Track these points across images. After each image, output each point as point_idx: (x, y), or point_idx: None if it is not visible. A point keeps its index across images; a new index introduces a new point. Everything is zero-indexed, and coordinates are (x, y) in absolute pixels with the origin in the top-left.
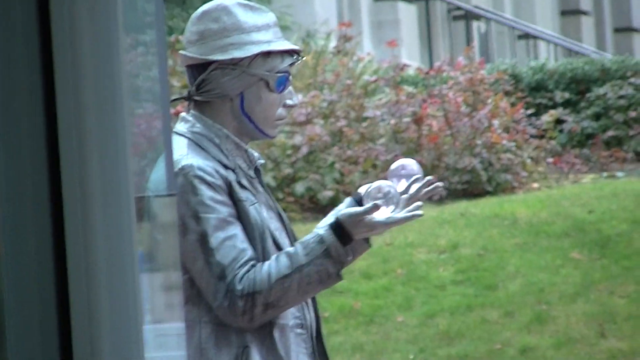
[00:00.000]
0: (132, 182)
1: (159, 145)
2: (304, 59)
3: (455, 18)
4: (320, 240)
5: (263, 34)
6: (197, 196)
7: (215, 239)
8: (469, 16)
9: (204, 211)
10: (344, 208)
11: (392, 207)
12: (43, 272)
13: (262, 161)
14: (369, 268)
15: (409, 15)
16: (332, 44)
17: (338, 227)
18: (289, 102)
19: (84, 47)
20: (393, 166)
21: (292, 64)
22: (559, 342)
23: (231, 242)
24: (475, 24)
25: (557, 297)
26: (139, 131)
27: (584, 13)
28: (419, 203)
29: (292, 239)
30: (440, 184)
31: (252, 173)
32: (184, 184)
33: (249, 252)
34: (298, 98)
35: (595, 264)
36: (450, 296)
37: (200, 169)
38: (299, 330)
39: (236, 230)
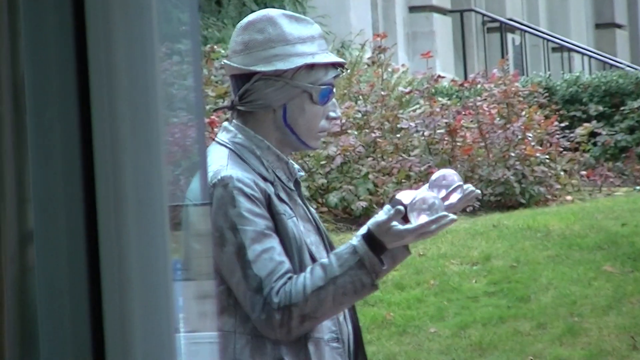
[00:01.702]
0: (166, 191)
1: (194, 155)
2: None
3: (490, 30)
4: (354, 251)
5: (308, 45)
6: (235, 208)
7: (252, 251)
8: (503, 28)
9: (242, 223)
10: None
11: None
12: (76, 282)
13: (302, 174)
14: (401, 279)
15: (443, 27)
16: (367, 55)
17: (370, 237)
18: (332, 114)
19: (119, 56)
20: (434, 177)
21: (335, 77)
22: (591, 354)
23: (268, 254)
24: (509, 36)
25: (589, 310)
26: (173, 140)
27: (619, 26)
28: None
29: (330, 252)
30: (478, 191)
31: (291, 185)
32: (223, 195)
33: (286, 265)
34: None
35: (628, 276)
36: (483, 307)
37: (239, 180)
38: (334, 344)
39: (273, 243)
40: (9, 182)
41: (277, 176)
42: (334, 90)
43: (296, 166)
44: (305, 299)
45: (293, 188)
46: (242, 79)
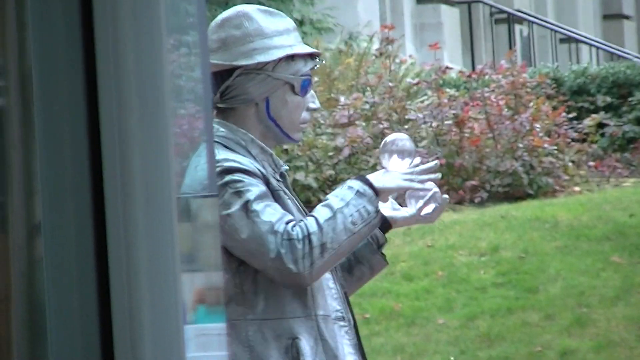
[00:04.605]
0: (174, 182)
1: (201, 146)
2: (346, 61)
3: (498, 21)
4: (348, 186)
5: (285, 38)
6: (235, 178)
7: (257, 204)
8: (511, 19)
9: (244, 187)
10: None
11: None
12: (84, 273)
13: (286, 167)
14: (410, 270)
15: (451, 18)
16: (375, 46)
17: (362, 179)
18: (312, 105)
19: (127, 48)
20: (387, 139)
21: (312, 68)
22: (599, 345)
23: (272, 208)
24: (517, 28)
25: (597, 301)
26: (181, 132)
27: (626, 17)
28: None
29: None
30: (445, 196)
31: (278, 177)
32: (221, 171)
33: (290, 216)
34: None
35: (636, 267)
36: (491, 299)
37: (234, 160)
38: (341, 323)
39: (275, 204)
40: (17, 174)
41: (264, 168)
42: (312, 81)
43: (280, 160)
44: (320, 227)
45: (280, 179)
46: (221, 76)
